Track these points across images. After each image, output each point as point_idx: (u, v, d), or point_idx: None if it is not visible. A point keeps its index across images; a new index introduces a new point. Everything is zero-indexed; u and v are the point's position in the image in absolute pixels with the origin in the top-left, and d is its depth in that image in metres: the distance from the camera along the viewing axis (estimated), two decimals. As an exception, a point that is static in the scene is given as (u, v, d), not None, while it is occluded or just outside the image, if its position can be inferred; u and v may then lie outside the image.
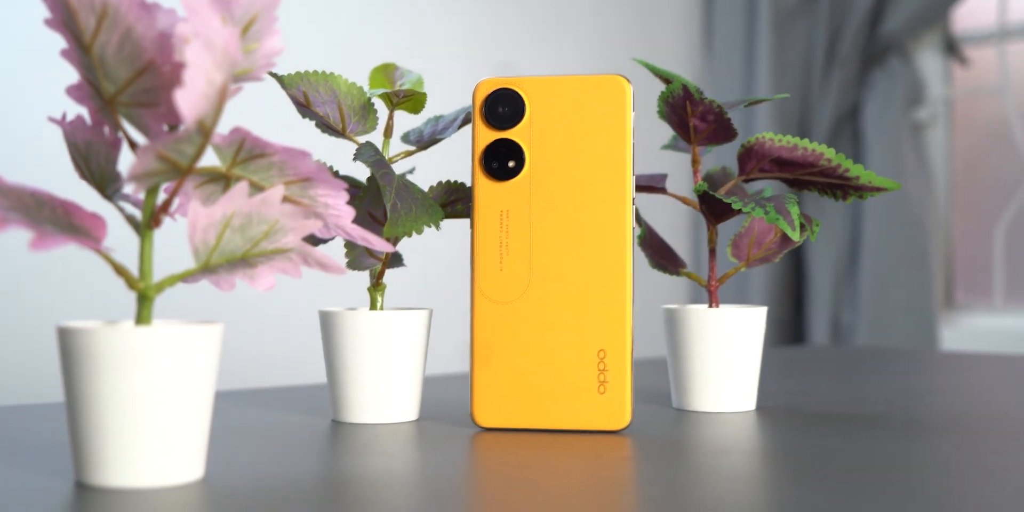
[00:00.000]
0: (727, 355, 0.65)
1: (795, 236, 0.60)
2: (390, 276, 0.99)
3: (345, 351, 0.61)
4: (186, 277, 0.47)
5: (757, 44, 2.22)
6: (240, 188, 0.46)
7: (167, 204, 0.45)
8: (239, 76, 0.47)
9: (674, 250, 0.70)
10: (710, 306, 0.68)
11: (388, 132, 0.63)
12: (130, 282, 0.45)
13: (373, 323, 0.61)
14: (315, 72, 0.60)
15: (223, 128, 1.05)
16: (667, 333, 0.67)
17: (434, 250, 1.34)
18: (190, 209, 0.46)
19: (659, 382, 0.83)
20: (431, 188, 0.63)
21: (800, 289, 2.24)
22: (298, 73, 0.60)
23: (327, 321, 0.61)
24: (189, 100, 0.40)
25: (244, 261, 0.48)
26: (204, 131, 0.43)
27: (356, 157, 0.59)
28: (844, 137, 2.22)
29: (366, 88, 1.32)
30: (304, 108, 0.62)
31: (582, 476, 0.46)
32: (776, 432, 0.58)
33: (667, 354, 0.69)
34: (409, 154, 0.65)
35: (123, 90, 0.44)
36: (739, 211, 0.63)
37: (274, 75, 0.60)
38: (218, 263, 0.47)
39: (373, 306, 0.63)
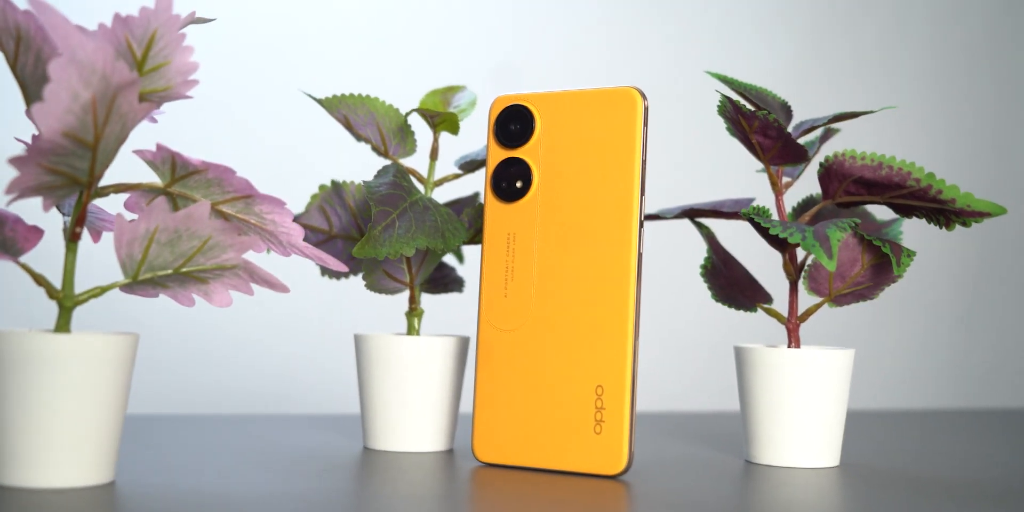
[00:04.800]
0: (805, 402, 0.58)
1: (830, 266, 0.52)
2: (439, 301, 0.96)
3: (375, 376, 0.60)
4: (118, 288, 0.49)
5: None
6: (158, 203, 0.47)
7: (80, 219, 0.47)
8: (158, 94, 0.48)
9: (759, 282, 0.63)
10: (789, 346, 0.61)
11: (434, 154, 0.62)
12: (50, 292, 0.47)
13: (404, 348, 0.59)
14: (352, 95, 0.60)
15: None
16: (738, 376, 0.60)
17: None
18: (116, 223, 0.47)
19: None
20: (466, 211, 0.61)
21: None
22: (335, 96, 0.60)
23: (360, 345, 0.61)
24: (46, 114, 0.42)
25: (190, 277, 0.49)
26: (86, 145, 0.44)
27: (373, 179, 0.58)
28: None
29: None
30: (352, 131, 0.62)
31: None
32: (827, 493, 0.50)
33: (739, 400, 0.62)
34: (457, 177, 0.63)
35: (44, 109, 0.47)
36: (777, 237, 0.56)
37: (315, 99, 0.61)
38: (148, 277, 0.48)
39: (410, 331, 0.62)
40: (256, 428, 0.69)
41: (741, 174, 1.14)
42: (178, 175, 0.49)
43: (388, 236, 0.55)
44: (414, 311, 0.62)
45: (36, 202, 0.90)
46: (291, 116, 0.98)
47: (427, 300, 0.97)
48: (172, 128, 0.95)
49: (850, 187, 0.58)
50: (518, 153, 0.56)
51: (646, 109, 0.54)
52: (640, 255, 0.53)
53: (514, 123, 0.56)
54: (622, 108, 0.54)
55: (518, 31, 1.08)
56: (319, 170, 0.98)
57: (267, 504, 0.44)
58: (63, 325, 0.47)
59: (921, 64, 1.28)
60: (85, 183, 0.46)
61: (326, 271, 0.64)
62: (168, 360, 0.94)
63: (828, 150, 1.21)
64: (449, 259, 1.08)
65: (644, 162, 0.53)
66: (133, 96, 0.45)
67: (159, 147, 0.48)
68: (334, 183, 0.63)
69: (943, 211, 0.57)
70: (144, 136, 0.94)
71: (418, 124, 1.01)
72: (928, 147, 1.28)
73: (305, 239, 0.64)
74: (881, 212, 1.26)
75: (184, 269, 0.49)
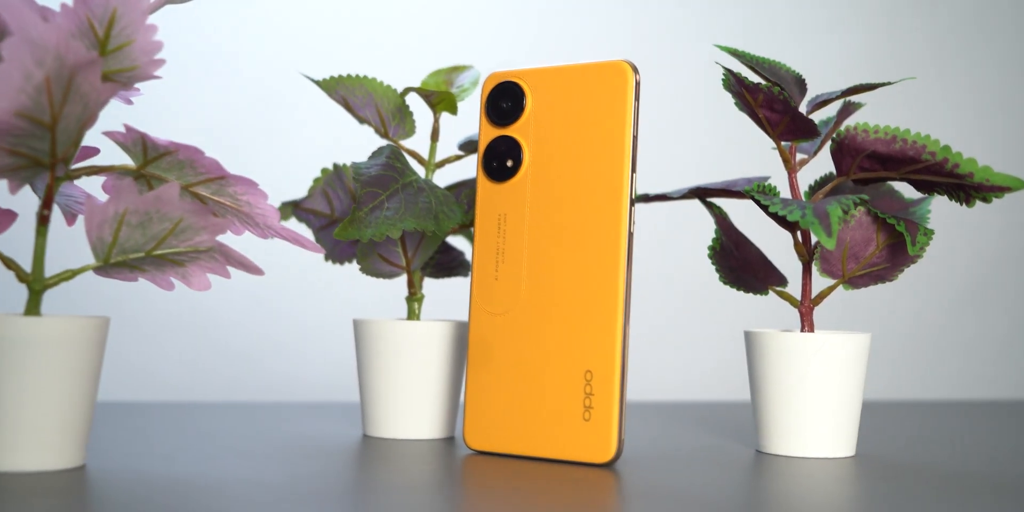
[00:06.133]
0: (818, 389, 0.55)
1: (829, 244, 0.49)
2: (449, 286, 0.93)
3: (373, 362, 0.59)
4: (92, 271, 0.48)
5: None
6: (126, 185, 0.46)
7: (47, 201, 0.47)
8: (124, 74, 0.47)
9: (773, 264, 0.60)
10: (802, 331, 0.58)
11: (435, 135, 0.61)
12: (19, 276, 0.47)
13: (402, 333, 0.58)
14: (350, 76, 0.59)
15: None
16: (748, 362, 0.58)
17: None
18: (86, 206, 0.47)
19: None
20: (465, 193, 0.60)
21: None
22: (333, 78, 0.59)
23: (359, 330, 0.59)
24: (-3, 94, 0.41)
25: (165, 260, 0.48)
26: (43, 126, 0.43)
27: (366, 160, 0.57)
28: None
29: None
30: (353, 113, 0.61)
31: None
32: (839, 484, 0.48)
33: (749, 387, 0.59)
34: (459, 158, 0.61)
35: (10, 91, 0.46)
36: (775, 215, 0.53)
37: (313, 80, 0.60)
38: (120, 260, 0.48)
39: (410, 316, 0.61)
40: (252, 416, 0.68)
41: (769, 155, 1.10)
42: (150, 157, 0.48)
43: (375, 217, 0.54)
44: (414, 296, 0.60)
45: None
46: (292, 99, 0.98)
47: (437, 285, 0.96)
48: (166, 112, 0.95)
49: (864, 162, 0.55)
50: (509, 131, 0.54)
51: (638, 83, 0.51)
52: (631, 235, 0.51)
53: (505, 100, 0.54)
54: (613, 82, 0.51)
55: (535, 7, 1.06)
56: (322, 153, 0.97)
57: (230, 489, 0.43)
58: (32, 308, 0.47)
59: (995, 50, 1.22)
60: (47, 165, 0.45)
61: (329, 256, 0.63)
62: (157, 347, 0.95)
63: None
64: (461, 243, 1.06)
65: (636, 138, 0.51)
66: (94, 76, 0.44)
67: (128, 129, 0.47)
68: (335, 166, 0.62)
69: (961, 186, 0.54)
70: (140, 119, 0.94)
71: (423, 105, 0.99)
72: (964, 125, 1.22)
73: (308, 224, 0.63)
74: (912, 191, 1.21)
75: (157, 252, 0.48)
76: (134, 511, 0.38)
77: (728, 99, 1.09)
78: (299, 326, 0.96)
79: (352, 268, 0.96)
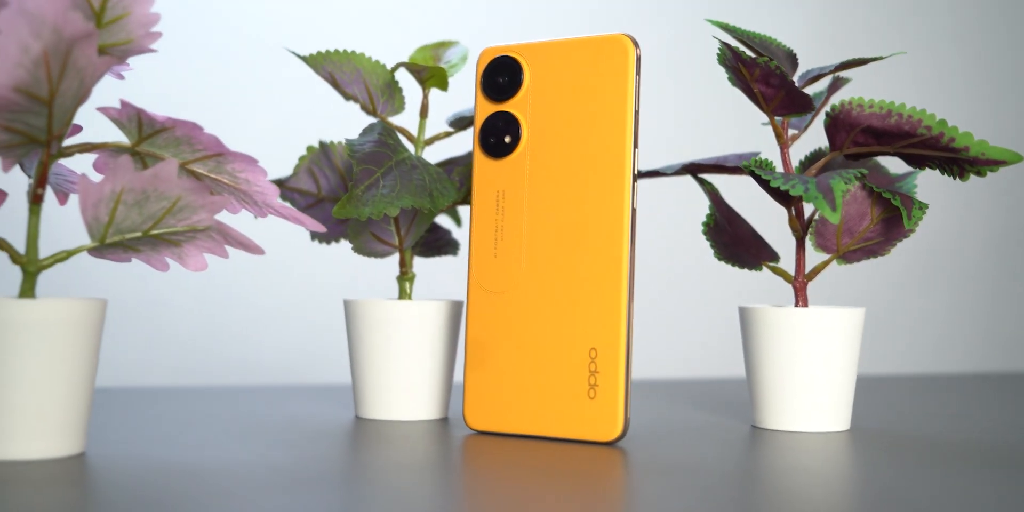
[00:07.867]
0: (812, 364, 0.55)
1: (834, 218, 0.49)
2: (437, 266, 0.92)
3: (365, 343, 0.58)
4: (87, 252, 0.47)
5: None
6: (123, 162, 0.45)
7: (41, 180, 0.45)
8: (119, 47, 0.45)
9: (764, 240, 0.60)
10: (796, 306, 0.58)
11: (424, 111, 0.60)
12: (13, 257, 0.45)
13: (394, 313, 0.57)
14: (337, 51, 0.58)
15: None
16: (743, 338, 0.58)
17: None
18: (80, 184, 0.45)
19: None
20: (457, 170, 0.59)
21: None
22: (320, 53, 0.58)
23: (350, 310, 0.59)
24: (-5, 68, 0.40)
25: (161, 240, 0.47)
26: (41, 101, 0.42)
27: (357, 137, 0.56)
28: None
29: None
30: (339, 90, 0.59)
31: (522, 492, 0.40)
32: (832, 457, 0.48)
33: (744, 362, 0.59)
34: (448, 135, 0.60)
35: None
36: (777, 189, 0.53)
37: (299, 56, 0.59)
38: (117, 241, 0.46)
39: (402, 296, 0.60)
40: (246, 399, 0.67)
41: (752, 131, 1.11)
42: (145, 134, 0.47)
43: (371, 195, 0.53)
44: (405, 275, 0.59)
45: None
46: (276, 75, 0.96)
47: (425, 264, 0.95)
48: (145, 91, 0.93)
49: (858, 137, 0.55)
50: (506, 107, 0.53)
51: (638, 58, 0.51)
52: (634, 211, 0.50)
53: (502, 75, 0.53)
54: (613, 57, 0.51)
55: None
56: (304, 131, 0.96)
57: (233, 473, 0.42)
58: (27, 290, 0.45)
59: (943, 19, 1.23)
60: (44, 141, 0.44)
61: (316, 235, 0.62)
62: (143, 330, 0.93)
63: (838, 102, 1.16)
64: (446, 222, 1.05)
65: (637, 113, 0.51)
66: (91, 49, 0.42)
67: (124, 104, 0.46)
68: (322, 144, 0.61)
69: (956, 160, 0.54)
70: (114, 95, 0.92)
71: (410, 82, 0.98)
72: (951, 101, 1.24)
73: (293, 203, 0.62)
74: (895, 166, 1.22)
75: (154, 231, 0.47)
76: (142, 498, 0.37)
77: (715, 75, 1.09)
78: (283, 307, 0.95)
79: (333, 249, 0.95)
